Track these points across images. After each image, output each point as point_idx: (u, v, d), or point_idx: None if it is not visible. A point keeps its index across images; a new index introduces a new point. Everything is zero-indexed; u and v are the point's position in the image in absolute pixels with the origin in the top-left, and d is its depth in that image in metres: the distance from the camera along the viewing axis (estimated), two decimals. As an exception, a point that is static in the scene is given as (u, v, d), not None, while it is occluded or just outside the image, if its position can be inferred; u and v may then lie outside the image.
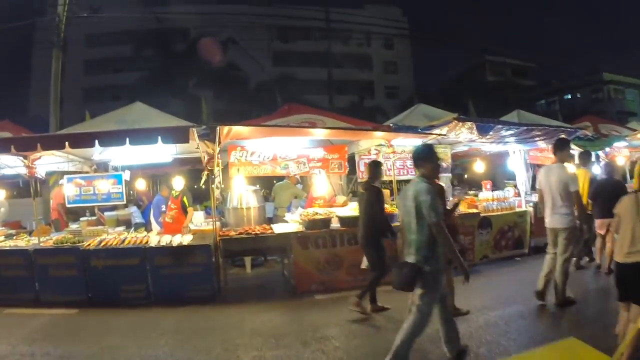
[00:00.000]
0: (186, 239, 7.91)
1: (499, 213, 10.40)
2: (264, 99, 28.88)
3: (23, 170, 8.43)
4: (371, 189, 7.03)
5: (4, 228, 10.00)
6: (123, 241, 7.93)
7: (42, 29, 19.60)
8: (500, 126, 9.39)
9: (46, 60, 16.54)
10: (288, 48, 46.28)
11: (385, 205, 7.76)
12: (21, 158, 7.91)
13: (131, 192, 12.38)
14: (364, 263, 7.09)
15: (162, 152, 9.94)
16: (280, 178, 11.75)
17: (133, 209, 11.87)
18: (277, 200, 11.54)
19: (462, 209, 9.76)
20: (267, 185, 15.93)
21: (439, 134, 9.28)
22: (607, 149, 13.88)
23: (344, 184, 12.07)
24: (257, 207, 9.89)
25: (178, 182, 9.65)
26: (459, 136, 9.63)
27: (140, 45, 35.08)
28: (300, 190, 11.77)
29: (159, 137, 7.07)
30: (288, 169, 10.42)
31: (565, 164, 7.02)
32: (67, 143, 7.10)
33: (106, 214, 10.99)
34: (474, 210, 9.97)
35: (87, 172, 10.62)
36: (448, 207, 6.64)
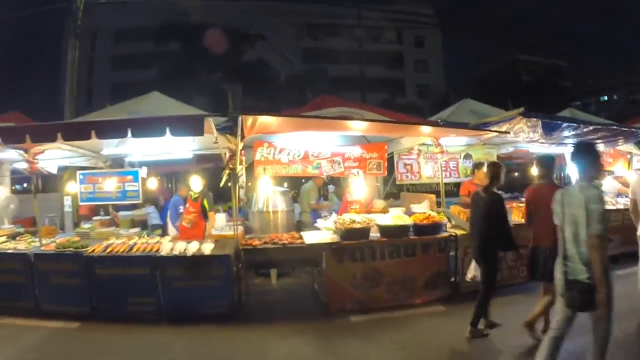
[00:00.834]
0: (207, 247, 6.87)
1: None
2: (294, 96, 28.33)
3: (23, 165, 7.58)
4: (493, 196, 6.18)
5: (12, 226, 9.27)
6: (132, 247, 7.00)
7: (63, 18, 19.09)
8: (567, 124, 8.24)
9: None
10: (318, 45, 45.51)
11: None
12: (21, 152, 7.06)
13: (149, 190, 11.52)
14: (470, 275, 6.48)
15: (181, 147, 8.98)
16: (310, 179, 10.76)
17: (150, 209, 10.95)
18: (301, 204, 10.59)
19: (517, 218, 8.67)
20: (296, 185, 14.80)
21: (500, 132, 8.07)
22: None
23: (380, 187, 11.05)
24: (286, 210, 8.88)
25: (196, 182, 8.50)
26: (518, 135, 8.52)
27: (167, 40, 34.59)
28: (331, 193, 10.86)
29: (167, 129, 5.96)
30: (321, 168, 9.45)
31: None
32: (59, 134, 6.11)
33: (120, 213, 10.24)
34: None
35: (101, 168, 9.73)
36: None
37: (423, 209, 8.57)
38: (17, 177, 12.40)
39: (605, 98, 49.37)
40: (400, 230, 7.28)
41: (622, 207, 9.52)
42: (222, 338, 6.12)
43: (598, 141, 9.50)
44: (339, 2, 42.66)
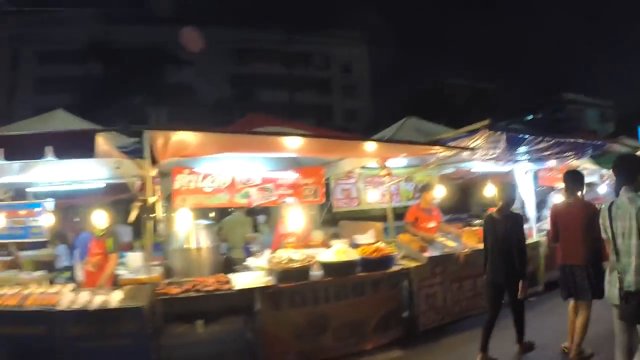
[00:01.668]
0: (114, 298, 5.58)
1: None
2: (222, 120, 27.43)
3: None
4: (513, 216, 6.14)
5: None
6: (26, 298, 5.58)
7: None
8: (532, 137, 7.62)
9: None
10: (247, 70, 44.47)
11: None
12: None
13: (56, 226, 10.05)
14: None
15: (91, 174, 7.74)
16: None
17: (61, 248, 9.50)
18: (229, 239, 9.53)
19: (472, 243, 7.96)
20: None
21: (467, 148, 7.27)
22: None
23: (316, 216, 9.89)
24: (211, 247, 7.74)
25: (100, 218, 7.04)
26: (475, 152, 7.69)
27: (91, 62, 33.14)
28: (262, 224, 9.85)
29: (47, 148, 4.59)
30: (249, 197, 8.33)
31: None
32: None
33: (23, 253, 8.67)
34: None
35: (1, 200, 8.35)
36: None
37: (368, 239, 7.64)
38: None
39: (530, 117, 51.32)
40: (347, 266, 6.30)
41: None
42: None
43: (551, 156, 9.01)
44: (268, 28, 42.50)
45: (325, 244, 7.46)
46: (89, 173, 7.62)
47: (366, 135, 10.14)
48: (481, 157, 8.03)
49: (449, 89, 47.03)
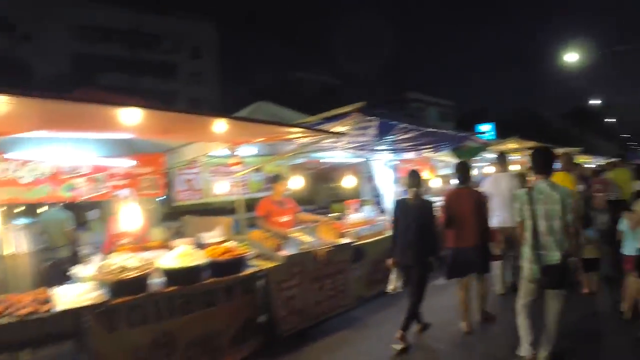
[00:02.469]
0: None
1: (372, 240, 8.38)
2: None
3: None
4: (425, 201, 6.45)
5: None
6: None
7: None
8: (405, 126, 7.22)
9: None
10: (89, 50, 41.11)
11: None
12: None
13: None
14: (392, 286, 6.49)
15: None
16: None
17: None
18: (49, 241, 8.33)
19: (330, 238, 7.49)
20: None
21: (338, 133, 6.60)
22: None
23: (156, 211, 8.57)
24: (30, 253, 6.55)
25: None
26: (340, 138, 7.07)
27: None
28: (92, 222, 8.69)
29: None
30: (76, 190, 6.96)
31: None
32: None
33: None
34: (346, 240, 7.70)
35: None
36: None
37: (216, 237, 6.81)
38: None
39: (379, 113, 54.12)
40: (193, 272, 5.37)
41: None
42: None
43: (411, 148, 8.82)
44: (115, 5, 39.92)
45: (167, 245, 6.42)
46: None
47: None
48: (345, 145, 7.54)
49: (298, 82, 47.75)
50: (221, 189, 8.52)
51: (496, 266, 7.73)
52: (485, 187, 8.06)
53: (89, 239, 8.55)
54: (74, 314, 4.60)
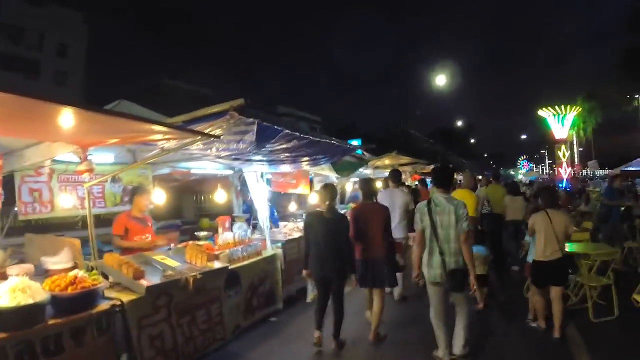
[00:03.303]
0: None
1: (247, 262, 7.57)
2: None
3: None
4: (340, 215, 6.90)
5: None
6: None
7: None
8: (288, 133, 6.23)
9: None
10: None
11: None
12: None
13: None
14: (312, 296, 7.37)
15: None
16: None
17: None
18: None
19: (200, 263, 6.60)
20: None
21: (213, 135, 5.42)
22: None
23: None
24: None
25: None
26: (213, 142, 6.16)
27: None
28: None
29: None
30: None
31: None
32: None
33: None
34: (220, 264, 6.77)
35: None
36: None
37: (63, 262, 5.60)
38: None
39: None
40: (30, 313, 4.18)
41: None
42: None
43: (287, 160, 8.14)
44: None
45: (2, 274, 5.06)
46: None
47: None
48: (218, 153, 6.56)
49: (169, 88, 46.38)
50: (69, 201, 7.11)
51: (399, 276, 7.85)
52: (380, 201, 7.99)
53: None
54: None
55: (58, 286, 4.66)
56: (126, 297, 5.17)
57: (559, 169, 44.03)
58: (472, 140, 75.78)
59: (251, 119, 5.35)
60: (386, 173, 13.25)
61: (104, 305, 4.88)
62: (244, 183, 9.91)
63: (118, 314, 5.00)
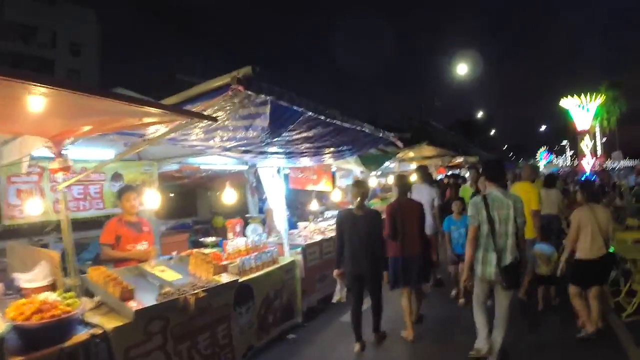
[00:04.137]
0: None
1: (261, 273, 6.54)
2: None
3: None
4: (373, 212, 6.68)
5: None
6: None
7: None
8: (311, 115, 4.79)
9: None
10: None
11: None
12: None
13: None
14: (337, 297, 6.67)
15: None
16: None
17: None
18: None
19: (205, 276, 5.67)
20: None
21: (209, 117, 4.08)
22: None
23: None
24: None
25: None
26: (212, 131, 4.90)
27: None
28: None
29: None
30: None
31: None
32: None
33: None
34: (228, 278, 5.80)
35: None
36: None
37: (38, 279, 4.66)
38: None
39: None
40: None
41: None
42: None
43: (309, 152, 7.11)
44: None
45: None
46: None
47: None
48: (222, 143, 5.32)
49: (180, 83, 46.04)
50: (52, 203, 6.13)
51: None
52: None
53: None
54: None
55: (22, 314, 3.71)
56: (112, 323, 4.23)
57: (582, 160, 42.76)
58: (492, 132, 74.38)
59: (262, 97, 3.98)
60: (410, 166, 13.40)
61: (81, 336, 3.94)
62: (259, 179, 8.88)
63: (102, 344, 4.03)
